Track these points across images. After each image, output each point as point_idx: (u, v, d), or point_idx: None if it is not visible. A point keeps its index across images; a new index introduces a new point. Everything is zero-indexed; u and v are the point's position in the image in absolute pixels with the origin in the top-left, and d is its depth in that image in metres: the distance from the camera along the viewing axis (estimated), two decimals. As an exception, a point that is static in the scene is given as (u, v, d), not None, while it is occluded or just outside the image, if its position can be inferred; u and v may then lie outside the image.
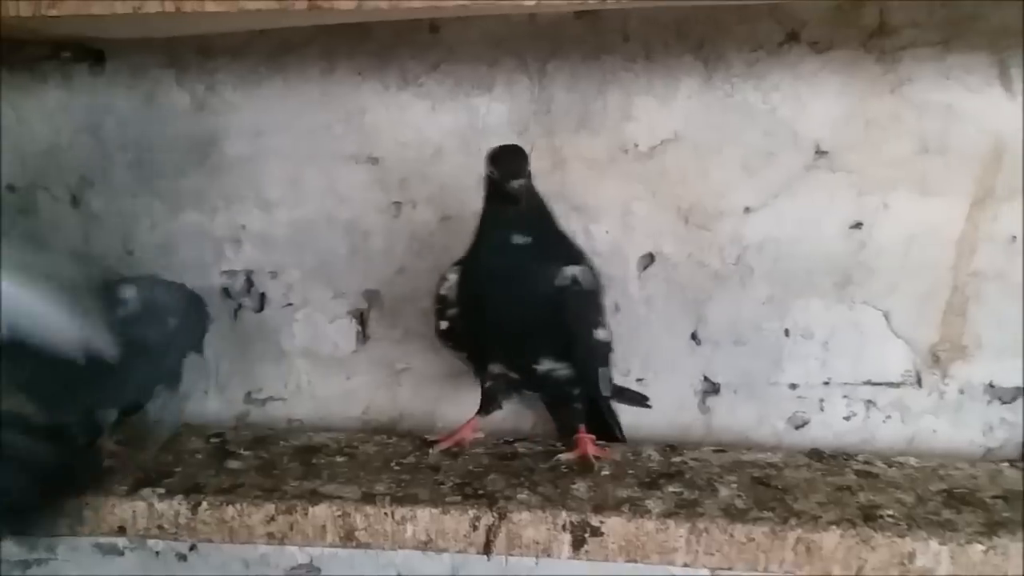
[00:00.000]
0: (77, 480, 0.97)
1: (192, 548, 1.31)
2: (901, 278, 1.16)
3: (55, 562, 1.32)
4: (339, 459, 1.08)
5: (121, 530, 0.99)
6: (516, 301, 0.99)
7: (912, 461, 1.07)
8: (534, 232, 0.99)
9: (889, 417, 1.21)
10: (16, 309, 0.89)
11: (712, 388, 1.23)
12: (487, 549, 0.94)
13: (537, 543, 0.94)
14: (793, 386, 1.21)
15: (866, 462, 1.07)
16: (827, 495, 0.97)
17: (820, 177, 1.15)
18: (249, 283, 1.28)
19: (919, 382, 1.19)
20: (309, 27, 1.17)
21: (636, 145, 1.18)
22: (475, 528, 0.94)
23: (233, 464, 1.07)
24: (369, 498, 0.97)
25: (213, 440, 1.16)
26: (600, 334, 1.04)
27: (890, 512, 0.93)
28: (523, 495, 0.97)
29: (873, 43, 1.11)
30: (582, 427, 1.07)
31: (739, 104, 1.15)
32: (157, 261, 1.27)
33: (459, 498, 0.97)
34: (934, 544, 0.89)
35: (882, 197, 1.15)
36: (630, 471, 1.03)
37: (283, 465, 1.06)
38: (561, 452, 1.06)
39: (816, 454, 1.09)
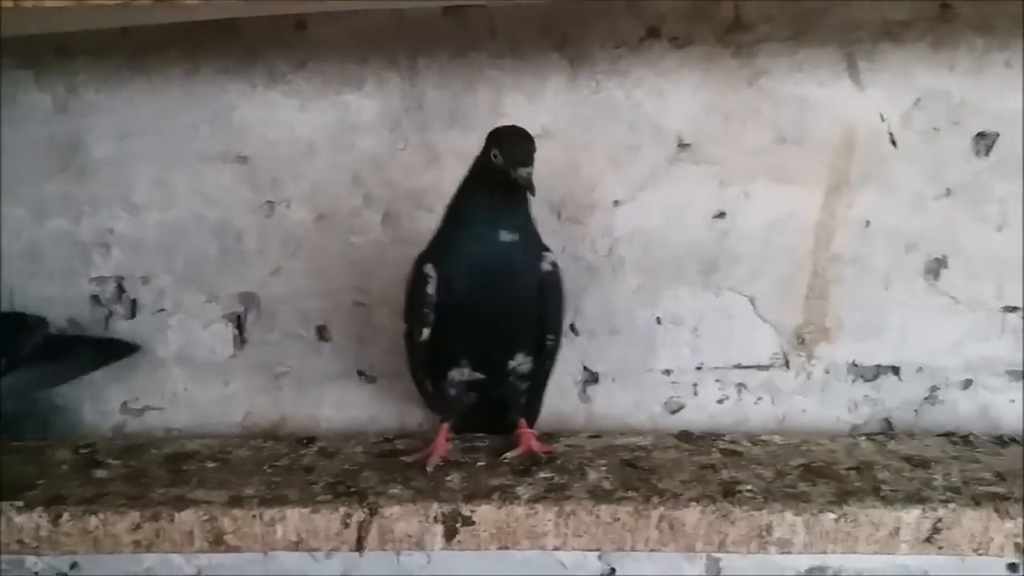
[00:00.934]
0: None
1: (73, 566, 1.27)
2: (764, 265, 1.21)
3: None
4: (210, 465, 1.06)
5: (-23, 548, 0.95)
6: (503, 298, 0.96)
7: (777, 439, 1.11)
8: (521, 229, 0.96)
9: (760, 398, 1.25)
10: None
11: (591, 377, 1.25)
12: (359, 546, 0.94)
13: (409, 536, 0.94)
14: (667, 372, 1.25)
15: (732, 441, 1.11)
16: (691, 474, 1.00)
17: (684, 169, 1.18)
18: (120, 289, 1.25)
19: (787, 364, 1.24)
20: (172, 25, 1.14)
21: (508, 140, 1.19)
22: (346, 525, 0.94)
23: (99, 474, 1.04)
24: (237, 501, 0.95)
25: (82, 451, 1.12)
26: None
27: (749, 487, 0.96)
28: (395, 490, 0.97)
29: (730, 38, 1.15)
30: (522, 421, 1.07)
31: (604, 100, 1.17)
32: (24, 270, 1.23)
33: (330, 497, 0.96)
34: (789, 515, 0.92)
35: (743, 187, 1.19)
36: (506, 460, 1.04)
37: (152, 473, 1.04)
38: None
39: (685, 435, 1.12)
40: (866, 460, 1.05)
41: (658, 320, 1.23)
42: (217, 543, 0.94)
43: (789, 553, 0.93)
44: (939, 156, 1.16)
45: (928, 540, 0.92)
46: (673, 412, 1.26)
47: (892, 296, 1.20)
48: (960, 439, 1.12)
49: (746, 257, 1.20)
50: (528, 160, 0.91)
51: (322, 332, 1.25)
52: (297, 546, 0.94)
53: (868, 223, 1.19)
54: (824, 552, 0.93)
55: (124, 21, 1.11)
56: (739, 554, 0.94)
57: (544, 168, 1.17)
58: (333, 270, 1.22)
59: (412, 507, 0.94)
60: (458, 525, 0.93)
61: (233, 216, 1.21)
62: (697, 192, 1.19)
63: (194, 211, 1.21)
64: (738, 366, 1.24)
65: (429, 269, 0.96)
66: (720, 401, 1.26)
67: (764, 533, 0.92)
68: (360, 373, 1.26)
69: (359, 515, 0.94)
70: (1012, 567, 1.21)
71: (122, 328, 1.25)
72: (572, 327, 1.23)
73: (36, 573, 1.28)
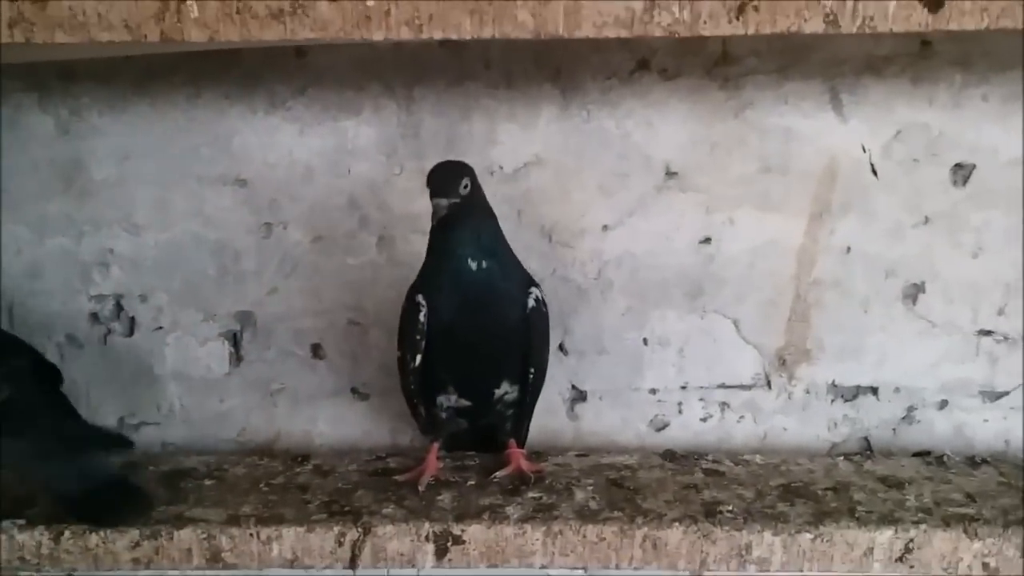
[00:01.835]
0: None
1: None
2: (748, 288, 1.24)
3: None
4: (208, 482, 1.08)
5: (-20, 564, 0.97)
6: (487, 327, 0.99)
7: (758, 459, 1.15)
8: (489, 256, 0.98)
9: (743, 417, 1.29)
10: None
11: (579, 395, 1.29)
12: (352, 564, 0.97)
13: (402, 555, 0.97)
14: (653, 391, 1.28)
15: (715, 461, 1.14)
16: (674, 493, 1.04)
17: (671, 196, 1.22)
18: (118, 307, 1.27)
19: (768, 384, 1.27)
20: (175, 53, 1.17)
21: (501, 167, 1.22)
22: (340, 544, 0.97)
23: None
24: (234, 520, 0.98)
25: (81, 467, 1.14)
26: None
27: (730, 508, 1.00)
28: (389, 509, 1.00)
29: (717, 71, 1.19)
30: (512, 442, 1.10)
31: (595, 129, 1.21)
32: (24, 287, 1.25)
33: (325, 515, 0.99)
34: (768, 535, 0.96)
35: (728, 213, 1.22)
36: (495, 480, 1.07)
37: (150, 490, 1.06)
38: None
39: (669, 455, 1.16)
40: (843, 481, 1.08)
41: (645, 341, 1.26)
42: (214, 560, 0.97)
43: (767, 572, 0.97)
44: (918, 186, 1.20)
45: (900, 560, 0.96)
46: (659, 430, 1.30)
47: (871, 320, 1.24)
48: (935, 460, 1.16)
49: (731, 281, 1.24)
50: (439, 190, 0.94)
51: (317, 350, 1.28)
52: (292, 564, 0.97)
53: (849, 249, 1.23)
54: (801, 571, 0.97)
55: (128, 51, 1.14)
56: (720, 572, 0.97)
57: (536, 194, 1.23)
58: (328, 290, 1.25)
59: (404, 526, 0.97)
60: (449, 544, 0.96)
61: (231, 237, 1.24)
62: (684, 218, 1.22)
63: (193, 232, 1.24)
64: (722, 386, 1.28)
65: (420, 299, 1.00)
66: (704, 419, 1.29)
67: (744, 552, 0.96)
68: (354, 390, 1.29)
69: (353, 534, 0.97)
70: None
71: (120, 345, 1.27)
72: (561, 347, 1.27)
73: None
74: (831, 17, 0.88)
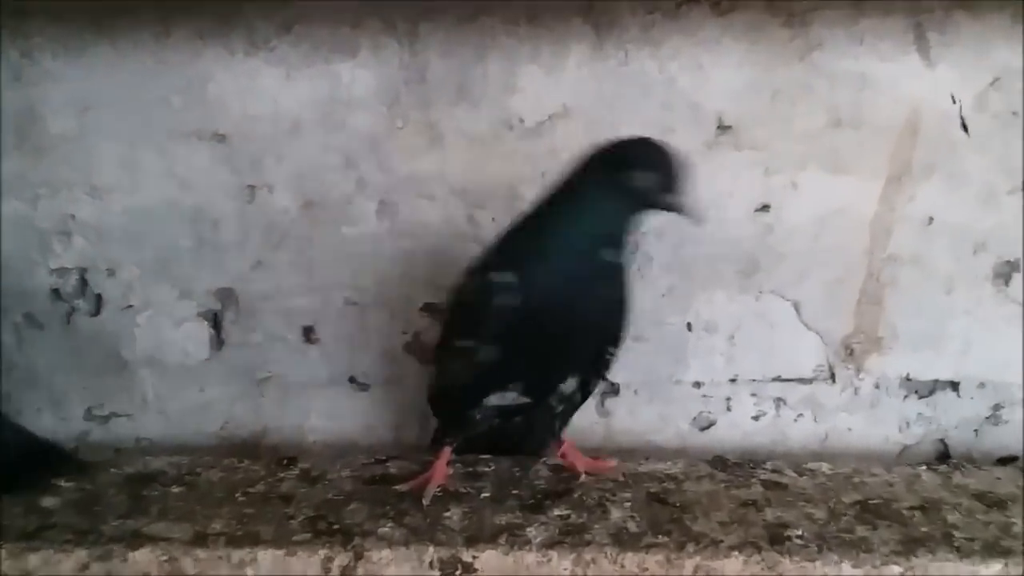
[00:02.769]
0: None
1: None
2: (811, 265, 1.08)
3: None
4: (175, 490, 0.92)
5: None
6: (587, 322, 0.85)
7: (824, 468, 0.98)
8: (623, 251, 0.84)
9: (801, 415, 1.13)
10: None
11: (611, 388, 1.13)
12: (342, 594, 0.81)
13: (401, 584, 0.81)
14: (697, 384, 1.12)
15: (774, 470, 0.97)
16: (730, 512, 0.86)
17: (723, 155, 1.05)
18: (83, 282, 1.12)
19: (832, 377, 1.11)
20: (139, -17, 1.01)
21: (522, 120, 1.06)
22: (327, 571, 0.80)
23: (47, 501, 0.91)
24: (202, 538, 0.82)
25: (34, 467, 0.99)
26: None
27: (799, 532, 0.82)
28: (386, 528, 0.83)
29: (780, 4, 1.01)
30: (565, 442, 0.95)
31: (634, 74, 1.04)
32: (-24, 258, 1.10)
33: (309, 535, 0.83)
34: (847, 568, 0.79)
35: (790, 176, 1.06)
36: (514, 491, 0.90)
37: (107, 499, 0.91)
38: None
39: (720, 462, 0.98)
40: (931, 497, 0.91)
41: (689, 326, 1.11)
42: (178, 587, 0.81)
43: (846, 611, 0.80)
44: (1016, 145, 1.04)
45: (1011, 598, 0.79)
46: (703, 429, 1.14)
47: (955, 302, 1.09)
48: (1028, 470, 0.98)
49: (791, 256, 1.08)
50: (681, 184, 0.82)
51: (309, 333, 1.13)
52: (270, 592, 0.81)
53: (931, 219, 1.07)
54: (887, 610, 0.80)
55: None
56: (787, 611, 0.80)
57: (563, 153, 1.05)
58: (322, 264, 1.10)
59: (404, 551, 0.80)
60: (458, 573, 0.80)
61: (209, 202, 1.09)
62: (738, 181, 1.06)
63: (165, 196, 1.09)
64: (777, 379, 1.12)
65: (510, 278, 0.82)
66: (756, 418, 1.13)
67: (817, 588, 0.79)
68: (352, 380, 1.14)
69: (342, 559, 0.81)
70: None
71: (85, 325, 1.12)
72: (591, 332, 1.09)
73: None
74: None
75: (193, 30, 1.04)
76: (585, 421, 1.12)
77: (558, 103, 1.05)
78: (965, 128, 1.03)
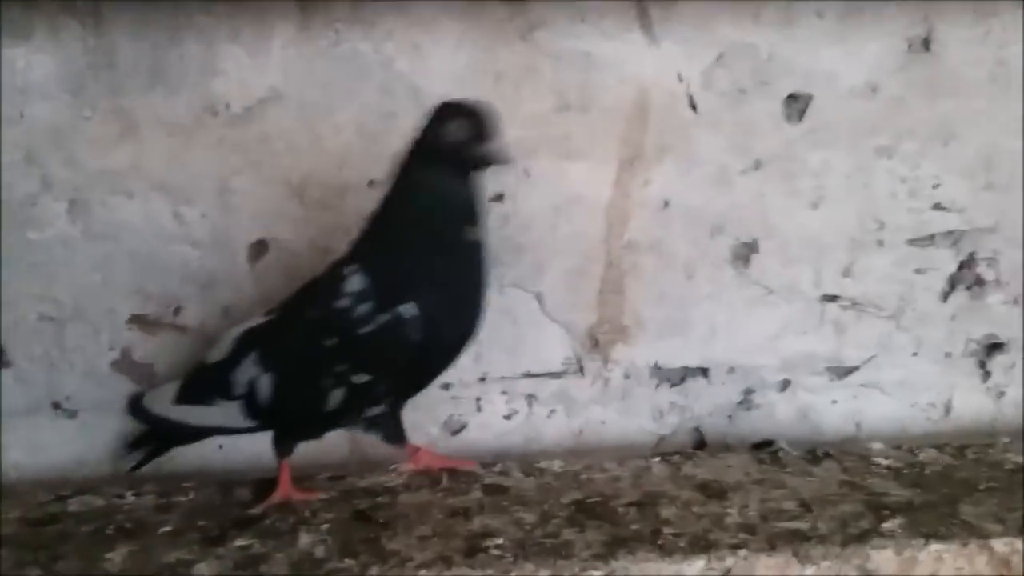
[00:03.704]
0: None
1: None
2: (551, 255, 1.03)
3: None
4: None
5: None
6: (476, 327, 0.85)
7: (556, 466, 0.93)
8: (482, 224, 0.82)
9: (554, 411, 1.08)
10: None
11: (350, 397, 1.04)
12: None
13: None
14: (446, 386, 1.05)
15: (502, 473, 0.91)
16: (436, 524, 0.80)
17: (448, 140, 0.98)
18: None
19: (581, 370, 1.07)
20: None
21: (227, 106, 0.97)
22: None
23: None
24: None
25: None
26: None
27: (499, 541, 0.76)
28: (30, 577, 0.72)
29: (498, -18, 0.96)
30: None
31: (348, 55, 0.97)
32: None
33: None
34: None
35: (522, 163, 1.00)
36: (201, 521, 0.81)
37: None
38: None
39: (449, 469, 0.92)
40: (652, 491, 0.87)
41: (428, 325, 1.02)
42: None
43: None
44: (746, 122, 1.03)
45: (714, 595, 0.75)
46: (455, 433, 1.08)
47: (697, 287, 1.06)
48: (768, 456, 0.96)
49: (529, 247, 1.03)
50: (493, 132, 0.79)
51: (-1, 356, 0.99)
52: None
53: (667, 203, 1.04)
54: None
55: None
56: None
57: (277, 141, 0.98)
58: (7, 275, 0.97)
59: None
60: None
61: None
62: None
63: None
64: (527, 375, 1.07)
65: (410, 309, 0.79)
66: (508, 416, 1.08)
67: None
68: (56, 406, 1.01)
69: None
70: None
71: None
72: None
73: None
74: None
75: None
76: (331, 437, 1.03)
77: (266, 86, 0.96)
78: (694, 107, 1.01)
